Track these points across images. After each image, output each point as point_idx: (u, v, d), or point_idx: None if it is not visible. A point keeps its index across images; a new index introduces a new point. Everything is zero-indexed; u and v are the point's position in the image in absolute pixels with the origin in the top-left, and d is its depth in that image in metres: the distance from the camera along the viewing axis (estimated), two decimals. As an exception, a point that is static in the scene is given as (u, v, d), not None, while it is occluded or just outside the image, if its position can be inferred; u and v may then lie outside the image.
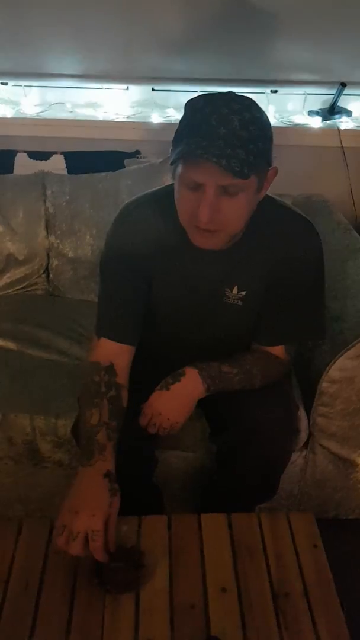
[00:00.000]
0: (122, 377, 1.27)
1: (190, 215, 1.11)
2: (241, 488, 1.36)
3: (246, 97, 1.07)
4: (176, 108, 2.16)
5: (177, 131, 1.09)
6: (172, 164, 1.08)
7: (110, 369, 1.26)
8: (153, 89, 2.16)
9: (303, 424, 1.48)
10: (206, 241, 1.15)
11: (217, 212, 1.08)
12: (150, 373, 1.29)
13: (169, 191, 1.17)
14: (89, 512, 1.03)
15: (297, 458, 1.53)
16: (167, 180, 1.13)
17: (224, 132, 1.02)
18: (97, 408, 1.19)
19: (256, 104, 1.07)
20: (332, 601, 1.06)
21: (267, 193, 1.18)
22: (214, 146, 1.01)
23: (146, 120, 2.14)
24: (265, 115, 1.09)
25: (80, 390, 1.28)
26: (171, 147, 1.10)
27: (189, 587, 1.08)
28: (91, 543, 1.02)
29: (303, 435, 1.49)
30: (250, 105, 1.05)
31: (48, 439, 1.51)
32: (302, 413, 1.48)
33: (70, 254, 1.94)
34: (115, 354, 1.28)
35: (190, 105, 1.08)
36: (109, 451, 1.13)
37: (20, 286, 1.99)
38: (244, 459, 1.29)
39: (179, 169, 1.08)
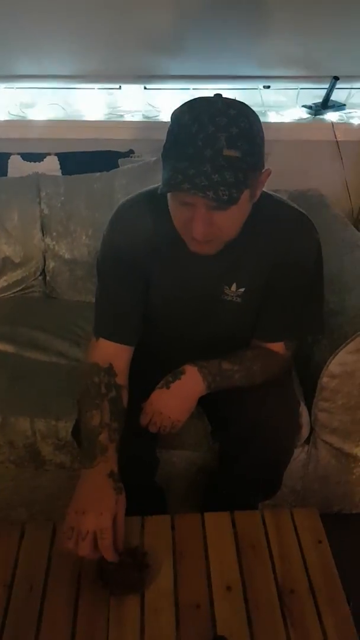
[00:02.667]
0: (122, 378, 1.27)
1: (184, 226, 1.11)
2: (244, 485, 1.36)
3: (234, 105, 1.02)
4: (168, 106, 2.15)
5: (164, 146, 1.06)
6: (160, 193, 1.05)
7: (109, 370, 1.25)
8: (145, 88, 2.16)
9: (304, 419, 1.47)
10: (202, 248, 1.15)
11: (210, 226, 1.07)
12: (150, 372, 1.29)
13: (164, 189, 1.16)
14: (97, 512, 1.03)
15: (299, 454, 1.53)
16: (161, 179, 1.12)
17: (210, 154, 0.98)
18: (98, 409, 1.19)
19: (245, 110, 1.03)
20: (338, 597, 1.06)
21: (264, 189, 1.17)
22: (200, 174, 0.98)
23: (139, 119, 2.14)
24: (256, 121, 1.04)
25: (79, 391, 1.27)
26: (161, 162, 1.07)
27: (194, 587, 1.07)
28: (100, 542, 1.02)
29: (305, 431, 1.49)
30: (237, 116, 1.00)
31: (49, 442, 1.50)
32: (303, 409, 1.47)
33: (67, 255, 1.93)
34: (114, 354, 1.28)
35: (176, 119, 1.04)
36: (111, 452, 1.13)
37: (17, 289, 1.99)
38: (247, 456, 1.29)
39: None
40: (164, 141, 1.07)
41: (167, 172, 1.02)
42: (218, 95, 1.03)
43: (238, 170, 1.00)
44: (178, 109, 1.05)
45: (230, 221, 1.09)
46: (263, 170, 1.10)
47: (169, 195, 1.10)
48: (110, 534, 1.03)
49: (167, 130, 1.07)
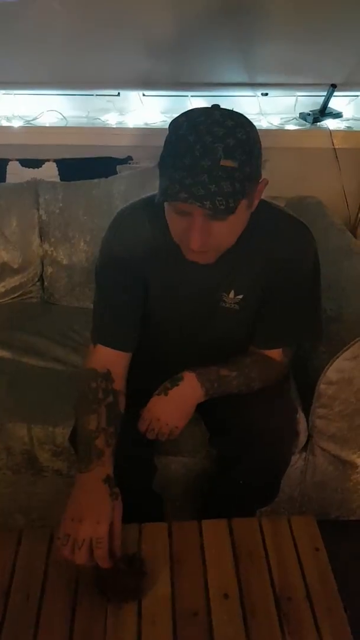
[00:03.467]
0: (119, 384, 1.26)
1: (181, 236, 1.11)
2: (242, 492, 1.35)
3: (231, 116, 1.02)
4: (167, 113, 2.16)
5: (161, 156, 1.06)
6: (157, 202, 1.06)
7: (107, 376, 1.25)
8: (144, 94, 2.16)
9: (302, 426, 1.47)
10: (199, 258, 1.15)
11: (207, 237, 1.07)
12: (148, 378, 1.29)
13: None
14: (93, 520, 1.03)
15: (296, 460, 1.53)
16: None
17: (208, 165, 0.98)
18: (95, 414, 1.19)
19: (243, 121, 1.03)
20: (335, 604, 1.06)
21: (261, 197, 1.18)
22: (197, 184, 0.98)
23: (137, 126, 2.14)
24: (254, 131, 1.05)
25: (77, 397, 1.27)
26: (158, 171, 1.07)
27: (191, 594, 1.07)
28: (95, 550, 1.01)
29: (302, 438, 1.49)
30: (234, 127, 1.00)
31: (46, 448, 1.50)
32: (300, 415, 1.47)
33: (65, 261, 1.94)
34: (111, 360, 1.28)
35: (174, 129, 1.04)
36: (107, 456, 1.13)
37: (15, 295, 1.99)
38: (245, 463, 1.28)
39: None
40: (162, 149, 1.07)
41: (165, 181, 1.03)
42: (216, 106, 1.04)
43: (235, 180, 1.00)
44: (176, 119, 1.05)
45: (227, 231, 1.10)
46: (260, 180, 1.10)
47: (166, 204, 1.10)
48: (106, 543, 1.02)
49: (165, 137, 1.08)
